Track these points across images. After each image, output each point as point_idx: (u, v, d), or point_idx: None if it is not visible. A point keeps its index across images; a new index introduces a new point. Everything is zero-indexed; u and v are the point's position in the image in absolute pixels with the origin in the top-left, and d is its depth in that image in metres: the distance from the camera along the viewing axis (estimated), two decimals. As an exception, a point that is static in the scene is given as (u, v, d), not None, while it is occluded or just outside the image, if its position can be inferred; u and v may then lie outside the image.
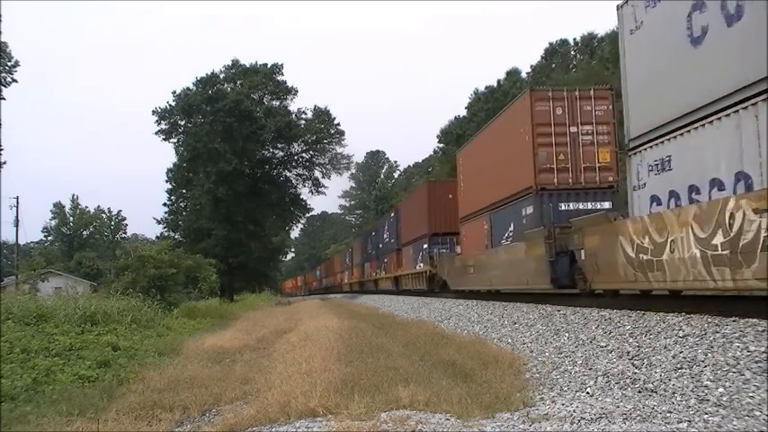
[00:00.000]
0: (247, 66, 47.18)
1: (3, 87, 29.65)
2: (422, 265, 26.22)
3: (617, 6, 10.81)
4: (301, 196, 50.79)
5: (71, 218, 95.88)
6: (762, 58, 7.30)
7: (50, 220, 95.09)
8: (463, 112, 60.54)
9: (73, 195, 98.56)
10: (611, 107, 14.34)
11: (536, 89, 14.96)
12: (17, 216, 53.93)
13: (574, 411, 5.88)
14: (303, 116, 49.09)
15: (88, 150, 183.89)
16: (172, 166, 48.16)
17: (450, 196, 22.94)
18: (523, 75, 56.49)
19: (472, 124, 53.25)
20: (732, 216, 7.11)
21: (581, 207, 13.83)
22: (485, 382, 7.47)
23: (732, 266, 7.20)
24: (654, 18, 9.79)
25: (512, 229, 15.71)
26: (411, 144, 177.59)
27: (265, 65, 47.34)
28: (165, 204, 49.00)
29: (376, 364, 8.62)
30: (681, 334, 7.49)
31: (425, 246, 25.41)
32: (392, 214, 34.94)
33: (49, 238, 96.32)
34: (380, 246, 38.64)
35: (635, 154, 10.48)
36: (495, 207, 16.92)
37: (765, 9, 7.23)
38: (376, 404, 6.22)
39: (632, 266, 9.37)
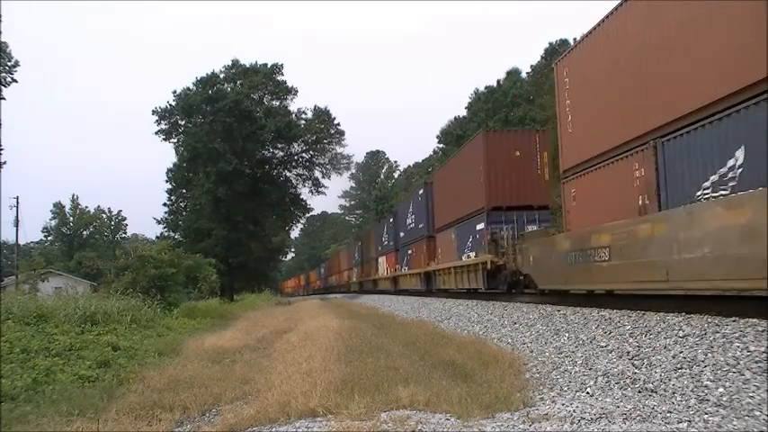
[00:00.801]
0: (247, 66, 47.23)
1: (3, 87, 29.68)
2: (474, 254, 18.78)
3: None
4: (301, 196, 50.91)
5: (71, 218, 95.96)
6: None
7: (50, 220, 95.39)
8: (463, 113, 60.58)
9: (73, 195, 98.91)
10: None
11: None
12: (17, 216, 54.11)
13: (574, 411, 5.88)
14: (303, 116, 49.20)
15: (88, 150, 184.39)
16: (172, 166, 48.28)
17: (518, 153, 17.21)
18: (523, 75, 56.48)
19: (472, 124, 53.28)
20: None
21: None
22: (485, 382, 7.47)
23: None
24: None
25: (740, 160, 7.89)
26: (411, 144, 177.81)
27: (265, 65, 47.39)
28: (165, 204, 49.11)
29: (376, 364, 8.62)
30: (681, 334, 7.50)
31: (480, 227, 17.94)
32: (420, 191, 27.25)
33: (49, 238, 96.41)
34: (401, 234, 31.61)
35: None
36: (673, 131, 9.24)
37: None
38: (376, 404, 6.22)
39: None
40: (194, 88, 45.29)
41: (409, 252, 29.38)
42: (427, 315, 18.79)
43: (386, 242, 36.36)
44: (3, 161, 29.76)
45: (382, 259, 37.71)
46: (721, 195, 8.21)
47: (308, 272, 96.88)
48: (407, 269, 29.91)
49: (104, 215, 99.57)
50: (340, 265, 60.54)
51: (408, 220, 29.55)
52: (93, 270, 67.02)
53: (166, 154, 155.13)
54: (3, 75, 29.68)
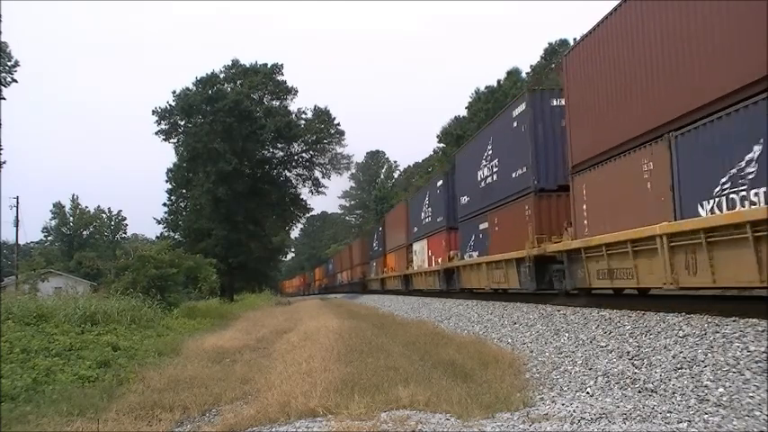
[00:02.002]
0: (247, 66, 47.18)
1: (3, 87, 29.70)
2: None
3: None
4: (301, 196, 50.83)
5: (71, 218, 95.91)
6: None
7: (50, 220, 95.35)
8: (463, 112, 60.54)
9: (73, 195, 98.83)
10: None
11: None
12: (17, 216, 54.09)
13: (574, 411, 5.88)
14: (303, 116, 49.14)
15: (88, 150, 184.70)
16: (172, 166, 48.28)
17: None
18: (523, 75, 56.50)
19: (472, 124, 53.25)
20: None
21: None
22: (485, 382, 7.47)
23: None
24: None
25: None
26: (411, 144, 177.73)
27: (265, 65, 47.34)
28: (164, 204, 49.11)
29: (376, 364, 8.62)
30: (681, 334, 7.50)
31: None
32: (517, 111, 14.74)
33: (49, 238, 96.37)
34: (463, 201, 20.02)
35: None
36: None
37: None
38: (376, 404, 6.22)
39: None
40: (194, 88, 45.24)
41: (483, 227, 17.59)
42: (427, 315, 18.78)
43: (428, 219, 25.51)
44: (3, 161, 29.85)
45: (421, 245, 26.53)
46: None
47: (314, 270, 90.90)
48: (477, 255, 18.21)
49: (104, 215, 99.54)
50: (352, 258, 50.47)
51: (482, 174, 17.76)
52: (93, 270, 67.00)
53: (166, 154, 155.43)
54: (3, 75, 29.70)
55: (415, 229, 28.24)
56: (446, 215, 22.48)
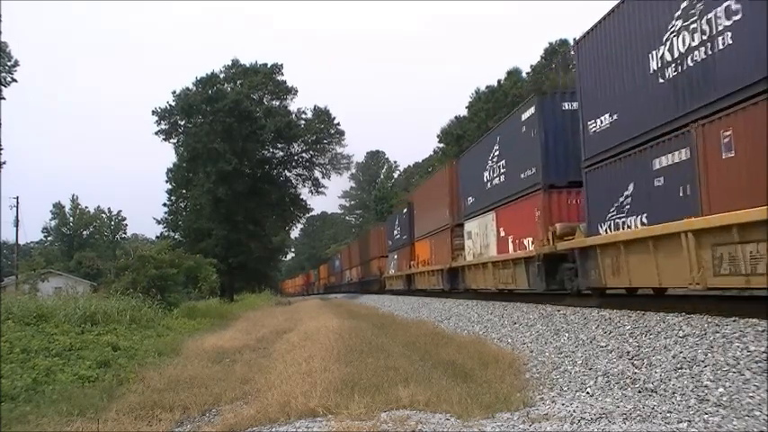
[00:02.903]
0: (247, 66, 47.21)
1: (3, 87, 29.72)
2: None
3: None
4: (301, 196, 50.88)
5: (71, 218, 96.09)
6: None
7: (50, 220, 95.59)
8: (463, 112, 60.53)
9: (73, 195, 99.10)
10: None
11: None
12: (17, 216, 54.15)
13: (574, 411, 5.88)
14: (303, 116, 49.19)
15: (88, 150, 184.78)
16: (172, 166, 48.30)
17: None
18: (524, 75, 56.47)
19: (472, 124, 53.30)
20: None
21: None
22: (485, 382, 7.47)
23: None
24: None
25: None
26: (411, 144, 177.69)
27: (265, 65, 47.37)
28: (164, 204, 49.12)
29: (376, 364, 8.62)
30: (681, 334, 7.49)
31: None
32: None
33: (49, 238, 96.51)
34: (608, 123, 10.25)
35: None
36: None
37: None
38: (376, 404, 6.22)
39: None
40: (194, 88, 45.26)
41: (669, 163, 8.61)
42: (427, 315, 18.78)
43: (499, 179, 16.04)
44: (3, 161, 29.88)
45: (481, 223, 17.55)
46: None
47: (318, 268, 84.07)
48: (645, 220, 9.26)
49: (104, 215, 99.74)
50: (362, 253, 44.01)
51: (671, 52, 8.35)
52: (93, 270, 67.09)
53: (166, 154, 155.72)
54: (3, 75, 29.73)
55: (470, 200, 18.67)
56: (543, 166, 13.08)
